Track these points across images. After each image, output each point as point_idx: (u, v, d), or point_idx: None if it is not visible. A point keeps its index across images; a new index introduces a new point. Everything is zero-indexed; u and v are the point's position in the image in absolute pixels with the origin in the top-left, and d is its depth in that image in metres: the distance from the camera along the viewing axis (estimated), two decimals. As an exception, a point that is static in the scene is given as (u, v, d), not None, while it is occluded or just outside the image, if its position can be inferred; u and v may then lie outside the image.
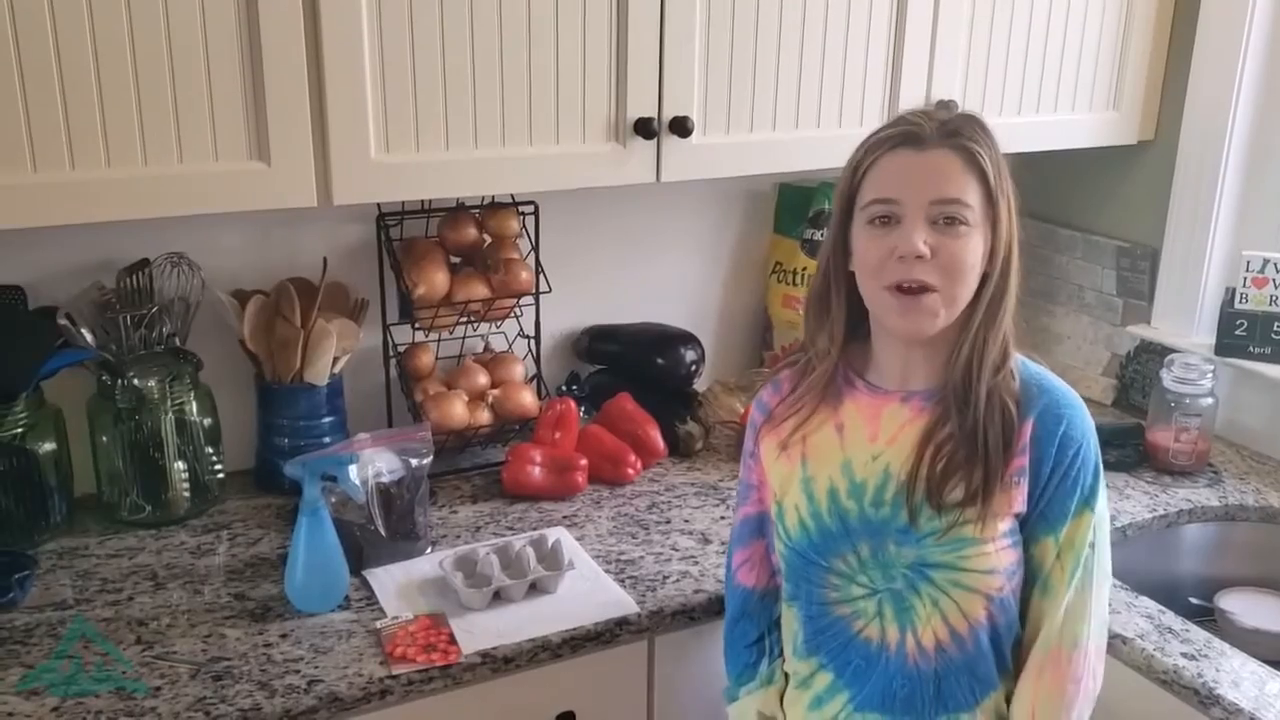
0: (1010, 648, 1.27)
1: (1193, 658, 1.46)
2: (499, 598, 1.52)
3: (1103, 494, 1.25)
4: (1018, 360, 1.26)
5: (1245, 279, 2.02)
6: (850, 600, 1.27)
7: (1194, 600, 1.86)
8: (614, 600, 1.54)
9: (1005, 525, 1.22)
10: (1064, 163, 2.23)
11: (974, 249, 1.19)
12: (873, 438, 1.27)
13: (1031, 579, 1.25)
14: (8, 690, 1.32)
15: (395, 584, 1.56)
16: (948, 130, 1.20)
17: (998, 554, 1.22)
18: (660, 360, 2.07)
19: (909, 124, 1.21)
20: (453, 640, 1.43)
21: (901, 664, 1.25)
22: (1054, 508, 1.23)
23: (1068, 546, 1.23)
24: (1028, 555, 1.25)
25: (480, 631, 1.45)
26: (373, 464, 1.60)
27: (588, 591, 1.56)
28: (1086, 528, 1.23)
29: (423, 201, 1.87)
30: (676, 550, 1.68)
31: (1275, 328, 2.01)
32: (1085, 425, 1.25)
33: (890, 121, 1.25)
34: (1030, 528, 1.24)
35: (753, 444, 1.38)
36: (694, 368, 2.09)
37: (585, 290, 2.10)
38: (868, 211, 1.21)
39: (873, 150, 1.22)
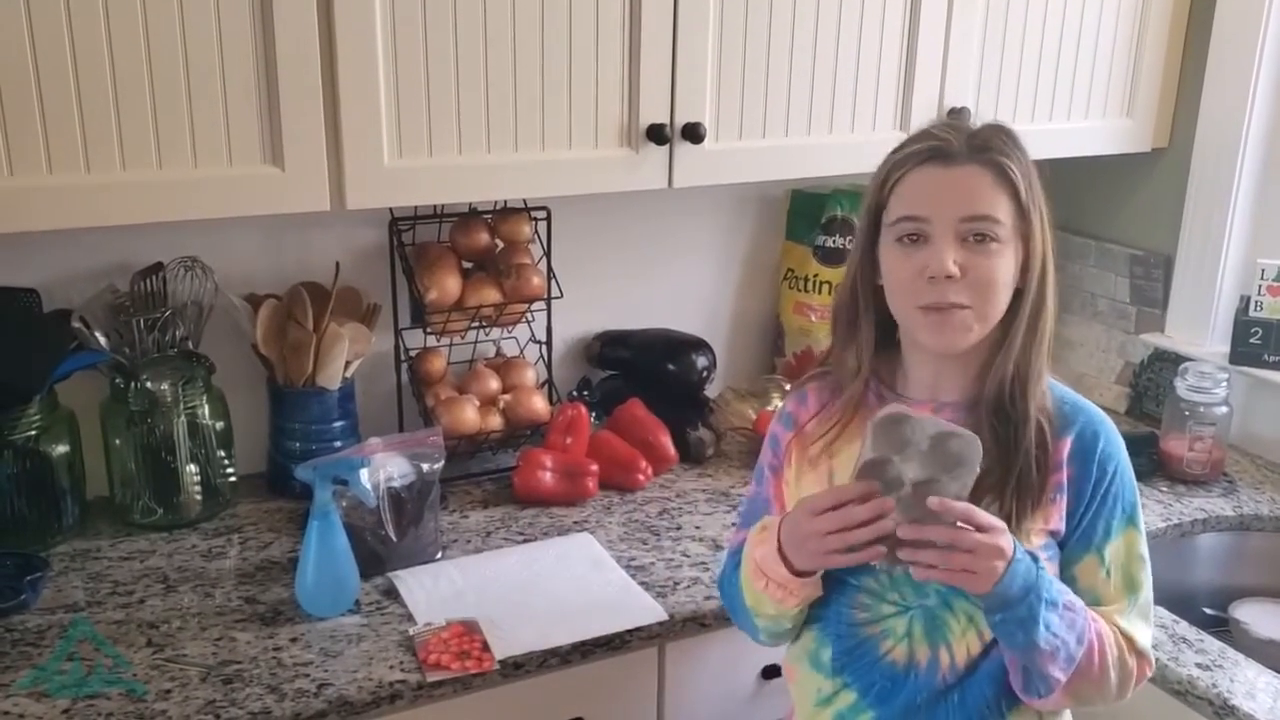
0: None
1: (1207, 668, 1.45)
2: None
3: (1141, 509, 1.23)
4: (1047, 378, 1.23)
5: (1260, 287, 2.01)
6: (879, 620, 1.24)
7: (1208, 610, 1.85)
8: (637, 606, 1.53)
9: (1040, 541, 1.19)
10: (1077, 170, 2.22)
11: (1005, 266, 1.16)
12: None
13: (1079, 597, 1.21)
14: (17, 692, 1.32)
15: (424, 590, 1.55)
16: (976, 144, 1.17)
17: None
18: (672, 366, 2.07)
19: (936, 138, 1.18)
20: (486, 648, 1.43)
21: (930, 680, 1.22)
22: (1095, 526, 1.20)
23: (1116, 563, 1.21)
24: (1071, 575, 1.21)
25: (513, 638, 1.45)
26: (384, 468, 1.60)
27: (615, 597, 1.56)
28: (1134, 543, 1.21)
29: (435, 206, 1.87)
30: (687, 556, 1.68)
31: (1290, 336, 2.00)
32: (1119, 442, 1.22)
33: (915, 135, 1.21)
34: (1070, 548, 1.21)
35: (773, 458, 1.34)
36: (705, 374, 2.08)
37: (597, 296, 2.10)
38: (896, 229, 1.19)
39: (899, 165, 1.19)
